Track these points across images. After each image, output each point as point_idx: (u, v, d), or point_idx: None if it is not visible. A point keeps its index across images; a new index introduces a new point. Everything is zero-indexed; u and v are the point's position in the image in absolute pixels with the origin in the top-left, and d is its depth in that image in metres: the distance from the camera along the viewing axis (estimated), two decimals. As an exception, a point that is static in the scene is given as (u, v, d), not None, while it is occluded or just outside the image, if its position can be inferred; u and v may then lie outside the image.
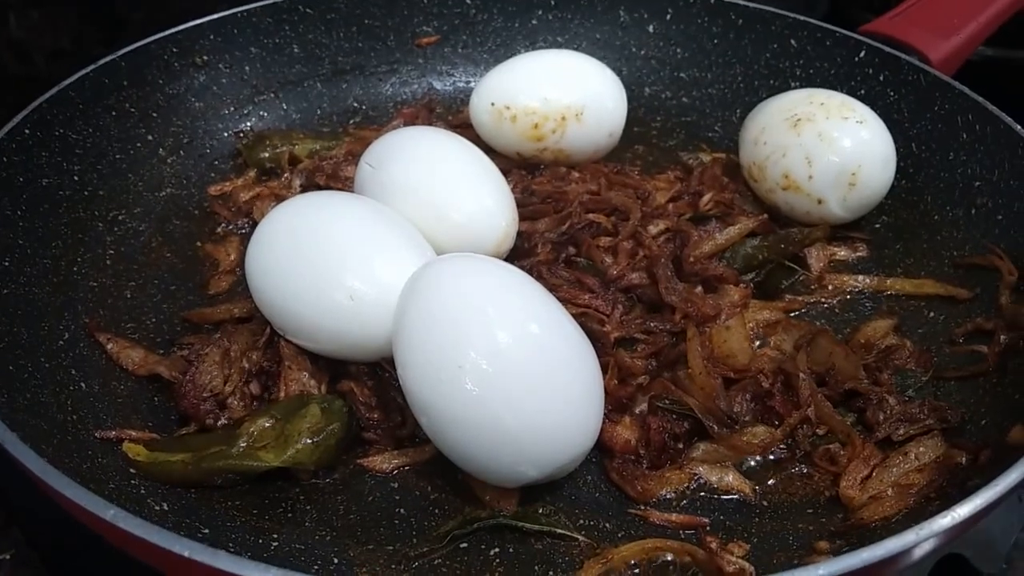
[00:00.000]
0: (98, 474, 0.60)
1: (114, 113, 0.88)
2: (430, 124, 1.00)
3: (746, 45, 1.04)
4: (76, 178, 0.83)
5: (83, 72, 0.85)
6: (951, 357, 0.72)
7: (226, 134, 0.98)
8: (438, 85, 1.10)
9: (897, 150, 0.85)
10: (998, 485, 0.45)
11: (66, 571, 0.70)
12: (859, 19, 1.04)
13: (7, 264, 0.71)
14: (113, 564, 0.65)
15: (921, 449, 0.62)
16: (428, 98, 1.08)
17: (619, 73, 1.05)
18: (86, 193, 0.83)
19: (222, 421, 0.65)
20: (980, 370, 0.69)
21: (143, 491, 0.60)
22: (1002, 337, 0.69)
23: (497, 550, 0.59)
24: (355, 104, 1.07)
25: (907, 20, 0.97)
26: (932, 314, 0.77)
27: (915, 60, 0.90)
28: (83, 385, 0.68)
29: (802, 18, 0.99)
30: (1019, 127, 0.78)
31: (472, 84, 1.09)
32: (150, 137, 0.91)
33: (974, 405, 0.67)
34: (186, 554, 0.42)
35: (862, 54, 0.94)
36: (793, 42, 1.00)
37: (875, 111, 0.87)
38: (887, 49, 0.92)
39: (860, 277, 0.82)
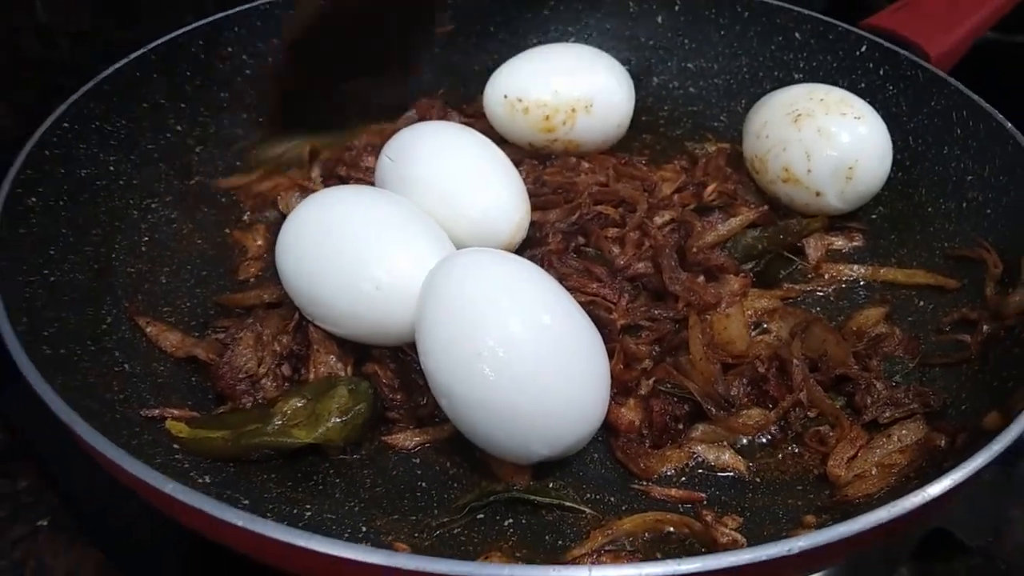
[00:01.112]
0: (145, 449, 0.65)
1: (145, 105, 0.92)
2: (445, 115, 1.04)
3: (751, 37, 1.07)
4: (112, 168, 0.87)
5: (117, 65, 0.89)
6: (937, 344, 0.77)
7: (250, 123, 1.02)
8: (452, 75, 1.14)
9: (895, 143, 0.89)
10: (965, 468, 0.50)
11: (101, 535, 0.76)
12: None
13: (52, 253, 0.75)
14: (147, 527, 0.72)
15: (904, 432, 0.67)
16: (443, 88, 1.11)
17: (628, 63, 1.10)
18: (121, 182, 0.87)
19: (256, 400, 0.71)
20: (964, 357, 0.73)
21: (187, 465, 0.65)
22: (985, 327, 0.74)
23: (511, 521, 0.65)
24: (369, 96, 1.11)
25: (907, 14, 1.00)
26: (922, 303, 0.82)
27: (913, 56, 0.93)
28: (126, 366, 0.73)
29: (806, 12, 1.02)
30: (1010, 125, 0.81)
31: (485, 74, 1.13)
32: (179, 127, 0.95)
33: (956, 390, 0.71)
34: (240, 524, 0.47)
35: (863, 48, 0.97)
36: (797, 35, 1.03)
37: (875, 104, 0.90)
38: (887, 44, 0.95)
39: (855, 267, 0.86)
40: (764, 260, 0.85)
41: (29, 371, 0.56)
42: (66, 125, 0.82)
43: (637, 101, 1.01)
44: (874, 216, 0.92)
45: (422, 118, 1.05)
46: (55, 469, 0.79)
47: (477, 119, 1.03)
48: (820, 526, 0.61)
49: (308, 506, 0.65)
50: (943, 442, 0.65)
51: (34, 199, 0.75)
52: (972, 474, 0.49)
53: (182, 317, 0.80)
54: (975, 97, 0.86)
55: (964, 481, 0.50)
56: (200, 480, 0.64)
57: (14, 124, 1.12)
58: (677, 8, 1.11)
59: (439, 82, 1.13)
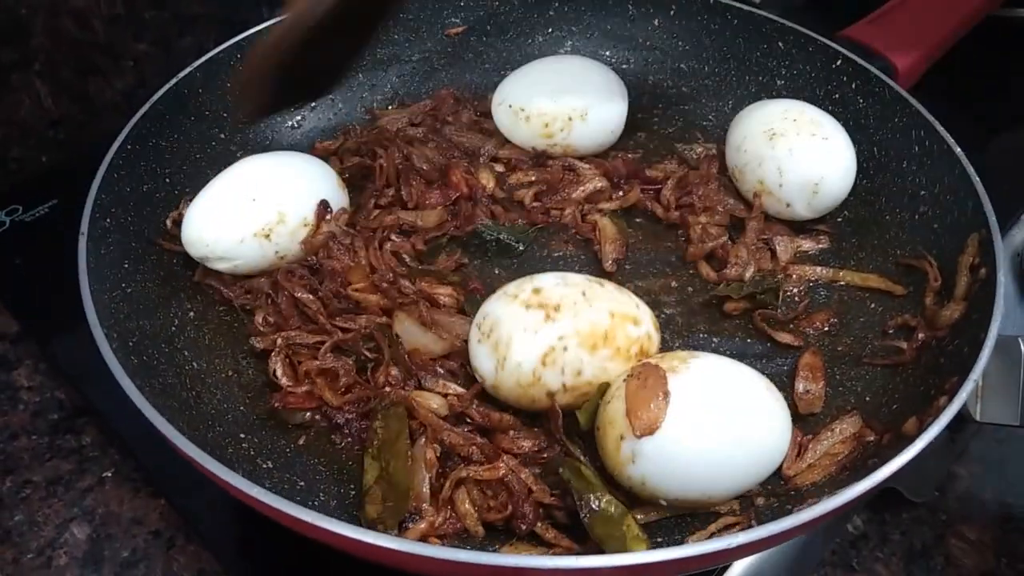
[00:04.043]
0: (218, 440, 0.77)
1: (193, 118, 1.02)
2: (458, 109, 1.15)
3: (739, 43, 1.16)
4: (168, 180, 0.97)
5: (167, 86, 0.98)
6: (880, 347, 0.88)
7: (284, 126, 1.13)
8: (466, 73, 1.23)
9: (861, 152, 0.99)
10: (867, 482, 0.62)
11: (161, 484, 0.86)
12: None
13: (126, 266, 0.86)
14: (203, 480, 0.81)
15: (844, 425, 0.79)
16: (458, 84, 1.21)
17: (627, 62, 1.19)
18: (176, 192, 0.98)
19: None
20: (900, 361, 0.84)
21: (252, 452, 0.79)
22: (920, 335, 0.84)
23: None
24: (392, 92, 1.21)
25: (879, 28, 1.09)
26: (873, 305, 0.92)
27: (881, 73, 1.02)
28: (195, 364, 0.85)
29: (788, 24, 1.10)
30: (958, 149, 0.90)
31: (495, 71, 1.22)
32: (222, 135, 1.06)
33: (891, 390, 0.82)
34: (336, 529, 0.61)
35: (838, 62, 1.06)
36: (780, 44, 1.12)
37: (845, 115, 1.01)
38: (860, 61, 1.03)
39: (819, 268, 0.96)
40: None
41: (132, 391, 0.67)
42: (129, 147, 0.91)
43: (633, 99, 1.11)
44: (839, 220, 1.01)
45: (436, 108, 1.16)
46: (116, 425, 0.89)
47: (486, 117, 1.14)
48: (768, 507, 0.75)
49: (352, 487, 0.78)
50: (873, 437, 0.78)
51: (109, 220, 0.86)
52: (875, 486, 0.63)
53: (237, 315, 0.92)
54: (932, 119, 0.94)
55: (869, 490, 0.63)
56: (264, 465, 0.78)
57: (55, 104, 1.23)
58: (672, 12, 1.19)
59: (454, 77, 1.23)
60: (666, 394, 0.69)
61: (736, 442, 0.70)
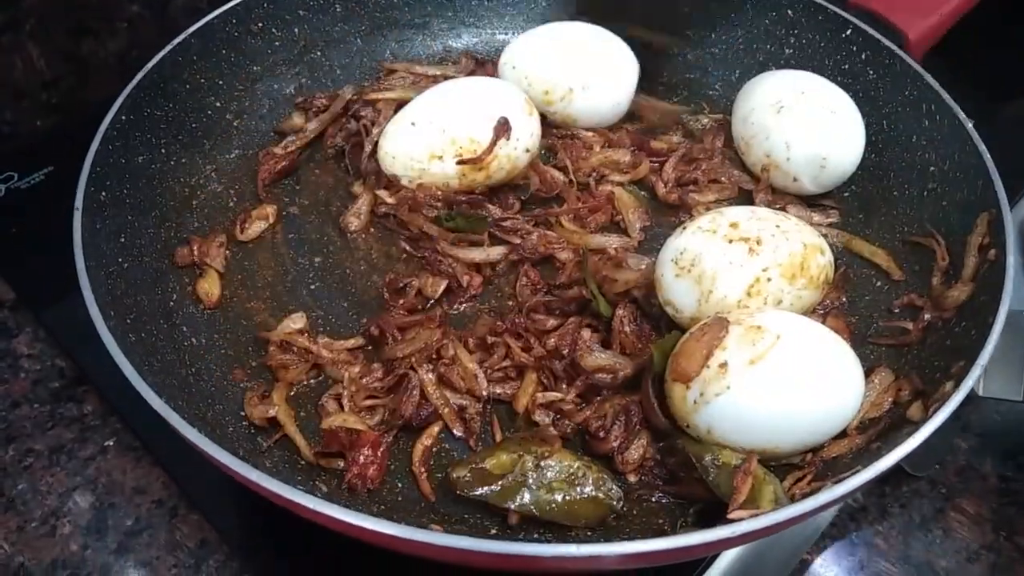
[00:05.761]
0: (219, 419, 0.78)
1: (188, 86, 1.00)
2: (473, 72, 1.12)
3: (748, 9, 1.12)
4: (163, 151, 0.96)
5: (162, 54, 0.96)
6: (886, 326, 0.87)
7: (282, 94, 1.11)
8: (465, 37, 1.21)
9: (870, 125, 0.97)
10: (867, 473, 0.61)
11: (159, 455, 0.86)
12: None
13: (123, 240, 0.85)
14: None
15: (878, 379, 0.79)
16: (467, 48, 1.19)
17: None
18: (172, 163, 0.96)
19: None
20: (906, 341, 0.83)
21: (252, 431, 0.78)
22: (926, 315, 0.83)
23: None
24: (391, 57, 1.18)
25: (893, -5, 1.06)
26: (879, 284, 0.91)
27: (892, 44, 0.99)
28: (193, 340, 0.85)
29: (798, -9, 1.08)
30: (970, 125, 0.88)
31: (497, 35, 1.20)
32: (218, 104, 1.04)
33: (896, 372, 0.81)
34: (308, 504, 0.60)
35: (848, 32, 1.03)
36: (789, 12, 1.09)
37: (856, 86, 0.98)
38: (870, 31, 1.01)
39: (834, 231, 0.96)
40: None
41: (131, 373, 0.66)
42: (123, 118, 0.89)
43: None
44: (846, 194, 1.00)
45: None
46: (113, 396, 0.89)
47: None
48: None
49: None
50: (908, 396, 0.76)
51: (104, 193, 0.84)
52: (865, 482, 0.62)
53: (235, 288, 0.92)
54: (943, 93, 0.92)
55: (865, 483, 0.62)
56: (265, 445, 0.78)
57: (48, 66, 1.21)
58: (679, -24, 1.16)
59: (454, 43, 1.21)
60: (711, 352, 0.70)
61: (803, 397, 0.70)
